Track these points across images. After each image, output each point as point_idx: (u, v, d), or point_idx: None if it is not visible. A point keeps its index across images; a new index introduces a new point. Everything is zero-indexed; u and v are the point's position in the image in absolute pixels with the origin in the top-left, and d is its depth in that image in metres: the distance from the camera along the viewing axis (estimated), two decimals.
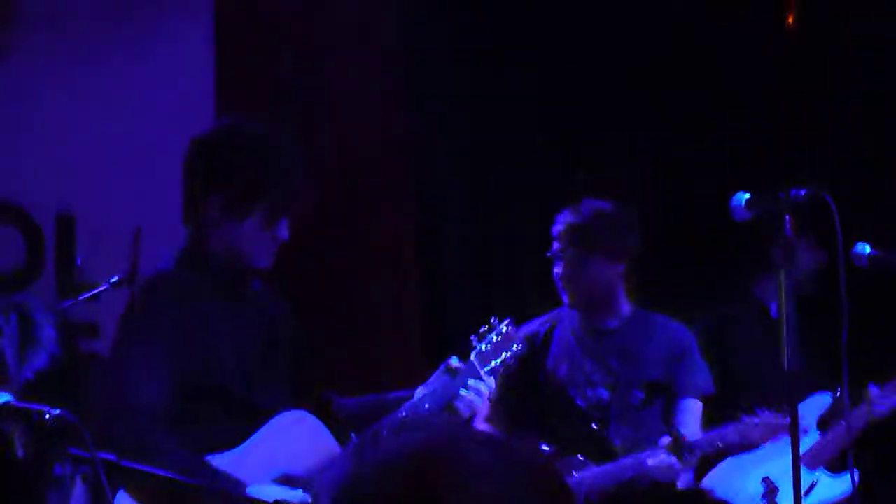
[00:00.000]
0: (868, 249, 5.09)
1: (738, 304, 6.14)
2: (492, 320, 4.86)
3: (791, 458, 4.65)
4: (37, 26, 6.55)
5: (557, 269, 5.42)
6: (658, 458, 5.05)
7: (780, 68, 7.08)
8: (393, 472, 1.55)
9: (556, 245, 5.43)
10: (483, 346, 4.64)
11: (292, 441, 4.45)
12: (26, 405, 3.36)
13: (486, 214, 7.40)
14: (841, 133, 6.89)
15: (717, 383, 5.69)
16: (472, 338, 4.71)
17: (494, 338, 4.70)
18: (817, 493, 5.64)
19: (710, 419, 5.79)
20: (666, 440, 5.09)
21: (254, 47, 7.04)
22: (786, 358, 4.83)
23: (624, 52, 7.14)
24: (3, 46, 6.50)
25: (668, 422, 5.34)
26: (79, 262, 6.43)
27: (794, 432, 4.71)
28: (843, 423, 5.48)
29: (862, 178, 6.67)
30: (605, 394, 5.40)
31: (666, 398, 5.42)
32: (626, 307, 5.52)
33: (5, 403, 3.32)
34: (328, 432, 4.50)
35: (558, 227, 5.42)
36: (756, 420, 5.18)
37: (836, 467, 5.60)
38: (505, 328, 4.74)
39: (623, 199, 5.78)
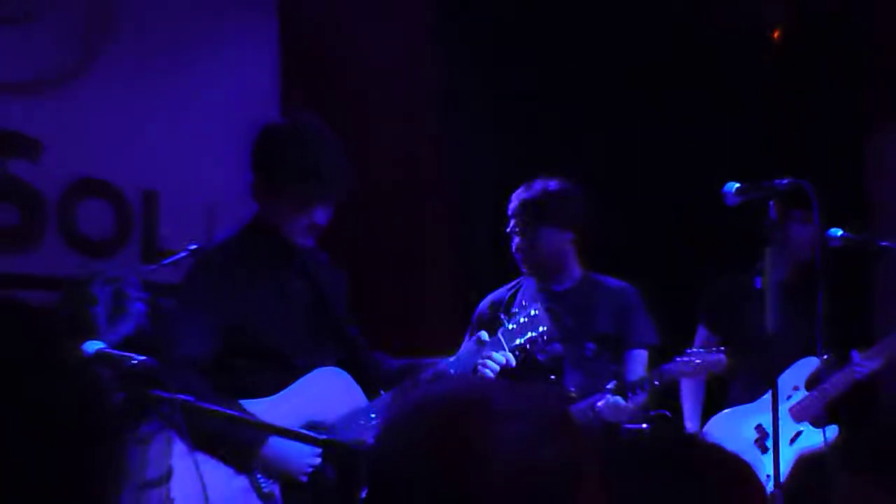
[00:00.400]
0: (840, 232, 5.11)
1: (740, 278, 5.94)
2: (523, 302, 4.91)
3: (773, 408, 4.65)
4: (128, 30, 6.47)
5: (514, 242, 5.36)
6: (606, 400, 5.01)
7: (766, 77, 6.96)
8: (427, 414, 1.54)
9: (511, 221, 5.36)
10: (511, 325, 4.58)
11: (324, 393, 4.37)
12: (117, 352, 3.30)
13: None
14: (818, 131, 6.80)
15: (720, 343, 5.64)
16: (502, 316, 4.68)
17: (522, 319, 4.63)
18: (801, 441, 5.58)
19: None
20: (612, 384, 5.06)
21: (313, 51, 6.91)
22: (769, 323, 4.81)
23: (630, 60, 7.03)
24: (101, 47, 6.41)
25: (617, 369, 5.30)
26: (161, 232, 6.41)
27: (774, 389, 4.74)
28: (827, 383, 5.52)
29: (835, 169, 6.57)
30: (559, 347, 5.29)
31: (615, 349, 5.35)
32: (577, 271, 5.43)
33: (99, 350, 3.24)
34: (358, 388, 4.44)
35: (513, 204, 5.36)
36: (686, 359, 5.15)
37: (819, 421, 5.49)
38: (534, 311, 4.67)
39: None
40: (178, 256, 4.81)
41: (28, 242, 6.18)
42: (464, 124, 7.14)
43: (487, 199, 6.74)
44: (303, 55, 6.89)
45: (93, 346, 3.39)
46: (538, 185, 5.32)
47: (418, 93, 7.18)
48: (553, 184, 5.31)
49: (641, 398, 5.17)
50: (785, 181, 4.62)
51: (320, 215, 4.32)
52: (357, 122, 6.59)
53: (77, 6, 6.35)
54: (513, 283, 5.53)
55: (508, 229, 5.38)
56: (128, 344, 3.76)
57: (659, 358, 5.32)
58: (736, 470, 1.88)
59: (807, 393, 5.58)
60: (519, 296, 5.43)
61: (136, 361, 3.45)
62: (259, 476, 4.17)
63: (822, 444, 5.31)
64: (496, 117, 7.08)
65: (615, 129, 7.04)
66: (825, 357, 5.43)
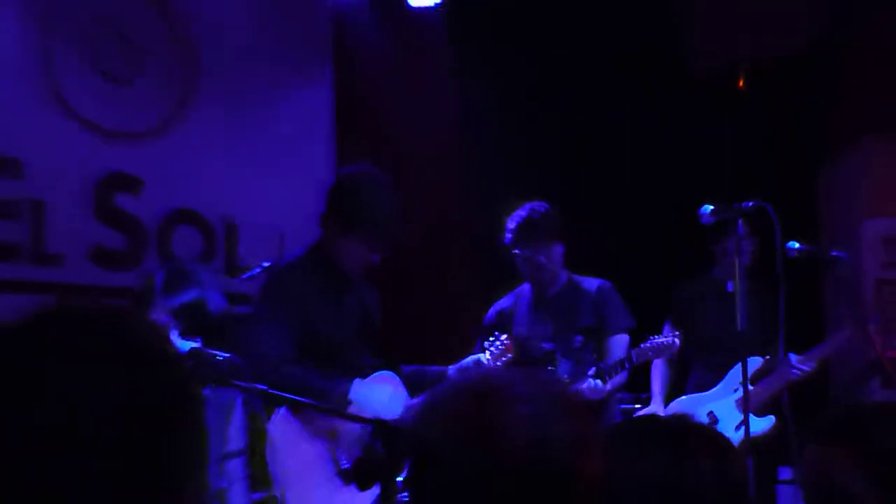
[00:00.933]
0: (797, 244, 5.05)
1: (701, 283, 5.96)
2: (496, 334, 4.94)
3: (743, 398, 4.81)
4: (210, 87, 6.45)
5: (516, 256, 5.26)
6: (588, 384, 4.99)
7: (734, 117, 6.82)
8: (459, 398, 1.53)
9: (508, 238, 5.25)
10: (491, 350, 4.78)
11: (380, 390, 4.40)
12: (207, 350, 3.28)
13: None
14: (777, 162, 6.73)
15: (685, 341, 5.47)
16: (486, 344, 4.83)
17: (497, 345, 4.80)
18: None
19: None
20: (592, 370, 5.04)
21: (359, 103, 6.84)
22: (739, 321, 4.78)
23: (626, 107, 6.87)
24: (189, 101, 6.39)
25: (601, 355, 5.24)
26: (240, 252, 6.34)
27: (745, 381, 4.81)
28: (768, 379, 5.48)
29: (791, 192, 6.39)
30: (550, 345, 5.25)
31: (598, 338, 5.26)
32: (563, 276, 5.34)
33: (194, 348, 3.27)
34: (404, 388, 4.48)
35: (511, 226, 5.25)
36: (648, 343, 5.13)
37: (760, 411, 5.39)
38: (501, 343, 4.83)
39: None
40: (253, 272, 4.75)
41: (132, 262, 6.09)
42: (484, 166, 7.04)
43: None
44: (351, 107, 6.81)
45: (186, 344, 3.43)
46: (528, 208, 5.23)
47: (445, 138, 7.05)
48: (541, 206, 5.24)
49: (620, 379, 5.20)
50: (750, 203, 4.60)
51: (376, 258, 4.40)
52: (394, 159, 6.49)
53: (170, 68, 6.33)
54: (514, 293, 5.46)
55: (512, 249, 5.27)
56: (187, 313, 3.68)
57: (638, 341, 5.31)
58: (724, 447, 1.84)
59: (751, 387, 5.32)
60: (518, 304, 5.41)
61: (221, 358, 3.46)
62: (339, 452, 4.17)
63: (761, 433, 5.24)
64: (507, 160, 6.96)
65: (610, 156, 6.98)
66: (767, 357, 5.46)
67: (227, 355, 3.64)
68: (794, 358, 5.45)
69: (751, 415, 5.29)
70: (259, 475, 3.93)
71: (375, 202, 4.36)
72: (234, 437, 3.61)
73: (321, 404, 4.00)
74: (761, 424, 5.33)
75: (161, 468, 1.17)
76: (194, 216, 6.35)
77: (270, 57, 6.57)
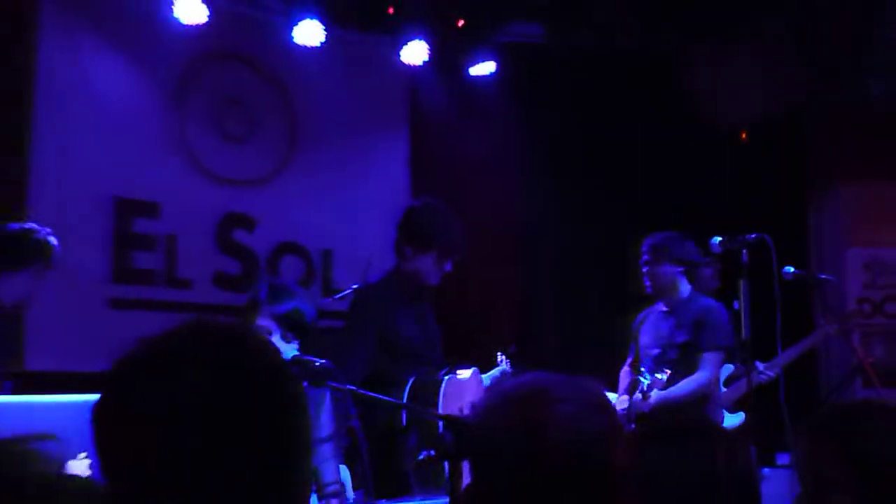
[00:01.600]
0: (792, 269, 4.85)
1: None
2: (498, 355, 4.80)
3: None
4: (308, 143, 6.47)
5: (644, 273, 5.06)
6: (635, 399, 4.77)
7: (740, 163, 6.78)
8: (509, 399, 1.52)
9: (644, 258, 5.06)
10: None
11: (466, 383, 4.36)
12: (306, 357, 3.18)
13: (566, 281, 6.75)
14: (773, 199, 6.61)
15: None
16: (502, 357, 4.75)
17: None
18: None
19: None
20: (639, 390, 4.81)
21: (431, 154, 6.85)
22: (745, 334, 4.61)
23: (644, 154, 6.79)
24: (292, 155, 6.44)
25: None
26: (334, 276, 6.38)
27: (749, 382, 4.58)
28: (739, 383, 5.25)
29: (786, 226, 6.15)
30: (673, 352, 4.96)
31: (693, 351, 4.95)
32: (685, 292, 5.06)
33: (295, 355, 3.21)
34: (482, 380, 4.45)
35: (644, 248, 5.06)
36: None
37: (732, 409, 5.24)
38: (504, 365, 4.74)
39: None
40: (345, 293, 4.66)
41: (246, 286, 5.47)
42: (528, 199, 6.99)
43: (545, 252, 6.74)
44: (423, 156, 6.86)
45: (287, 347, 3.41)
46: (654, 235, 5.08)
47: (498, 179, 7.01)
48: (669, 233, 5.08)
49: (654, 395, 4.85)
50: (753, 235, 4.49)
51: (449, 266, 4.40)
52: (457, 196, 6.34)
53: (277, 129, 6.39)
54: (647, 309, 5.22)
55: (643, 266, 5.07)
56: (289, 320, 3.55)
57: None
58: (730, 441, 1.73)
59: (724, 389, 5.31)
60: (649, 317, 5.21)
61: (318, 363, 3.33)
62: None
63: (732, 427, 5.11)
64: (548, 195, 6.91)
65: (638, 195, 6.81)
66: (737, 366, 5.28)
67: (323, 361, 3.45)
68: (760, 365, 5.26)
69: (724, 411, 5.20)
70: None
71: (443, 225, 4.38)
72: (325, 426, 3.47)
73: (401, 402, 3.96)
74: (733, 420, 5.20)
75: (286, 447, 1.19)
76: (297, 247, 6.39)
77: (358, 118, 6.59)
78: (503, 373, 4.72)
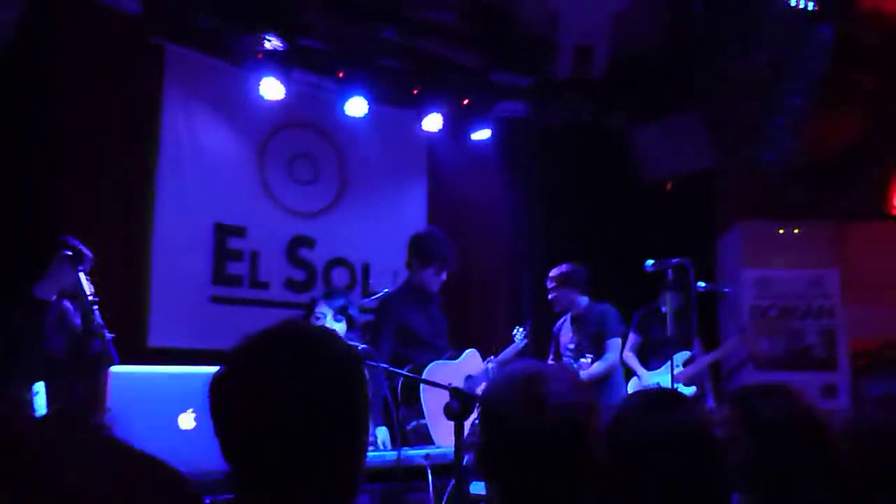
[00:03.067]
0: (704, 284, 4.70)
1: (649, 307, 5.62)
2: (516, 329, 4.63)
3: (670, 378, 4.67)
4: (355, 183, 6.32)
5: (552, 298, 4.97)
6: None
7: (665, 207, 6.55)
8: (513, 378, 1.45)
9: (550, 284, 4.95)
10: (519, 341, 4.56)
11: (470, 363, 4.28)
12: (349, 342, 2.97)
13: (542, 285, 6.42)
14: (691, 232, 6.31)
15: (639, 347, 5.38)
16: (514, 335, 4.62)
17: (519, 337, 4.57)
18: None
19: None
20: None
21: (443, 197, 6.68)
22: (669, 332, 4.91)
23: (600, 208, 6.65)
24: (342, 193, 6.28)
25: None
26: (371, 283, 6.20)
27: (671, 372, 4.63)
28: (693, 364, 5.31)
29: (700, 252, 5.92)
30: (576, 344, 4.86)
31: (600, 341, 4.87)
32: (583, 302, 4.96)
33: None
34: (479, 359, 4.29)
35: (553, 275, 4.95)
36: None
37: (687, 383, 5.23)
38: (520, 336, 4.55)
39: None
40: (378, 295, 4.56)
41: (308, 289, 5.92)
42: (518, 237, 6.84)
43: (528, 264, 6.56)
44: (437, 198, 6.70)
45: (341, 329, 3.39)
46: (560, 267, 4.99)
47: (494, 217, 6.90)
48: (569, 265, 5.00)
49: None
50: (676, 259, 4.46)
51: (444, 276, 4.32)
52: (462, 229, 6.39)
53: (332, 176, 6.23)
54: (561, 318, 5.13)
55: (550, 295, 4.97)
56: (339, 311, 3.58)
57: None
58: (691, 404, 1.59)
59: (683, 369, 5.33)
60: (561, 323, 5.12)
61: (360, 347, 3.44)
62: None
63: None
64: (535, 234, 6.73)
65: (598, 233, 6.61)
66: (691, 353, 5.33)
67: (363, 345, 3.65)
68: (696, 349, 5.30)
69: (681, 384, 5.23)
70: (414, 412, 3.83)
71: (439, 247, 4.29)
72: None
73: (418, 377, 3.83)
74: (687, 391, 5.21)
75: (357, 417, 1.16)
76: (344, 262, 6.30)
77: (389, 170, 6.49)
78: (515, 348, 4.54)
